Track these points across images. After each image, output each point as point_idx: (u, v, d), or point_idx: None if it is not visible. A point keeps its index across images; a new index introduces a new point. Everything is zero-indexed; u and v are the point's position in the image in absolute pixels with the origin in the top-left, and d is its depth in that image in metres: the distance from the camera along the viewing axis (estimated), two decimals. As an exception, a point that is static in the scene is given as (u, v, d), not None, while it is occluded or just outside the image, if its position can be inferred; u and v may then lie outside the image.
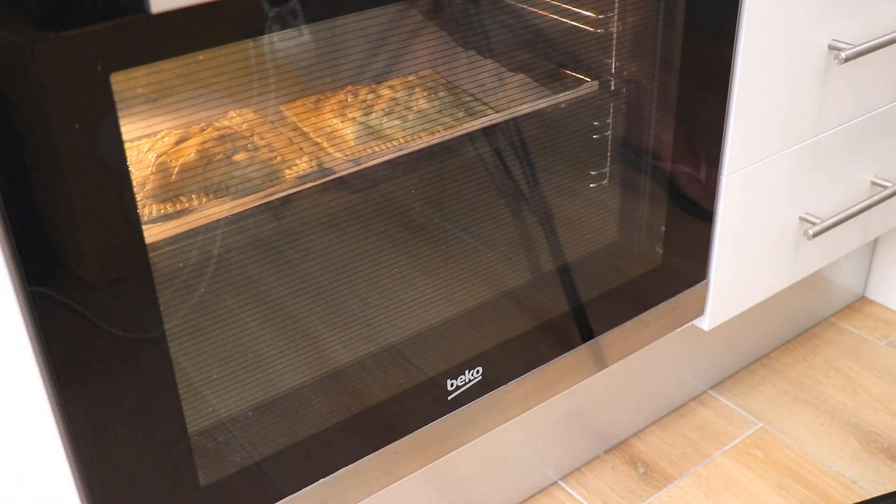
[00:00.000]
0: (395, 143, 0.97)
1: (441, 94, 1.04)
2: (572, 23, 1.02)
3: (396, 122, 1.00)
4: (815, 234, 1.14)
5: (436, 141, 0.92)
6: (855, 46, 1.04)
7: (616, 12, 0.98)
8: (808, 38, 1.03)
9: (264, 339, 0.94)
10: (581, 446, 1.23)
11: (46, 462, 0.72)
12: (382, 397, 0.92)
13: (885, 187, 1.21)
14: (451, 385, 0.96)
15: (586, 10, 1.00)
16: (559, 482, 1.22)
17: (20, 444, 0.70)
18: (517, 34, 1.14)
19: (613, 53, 1.01)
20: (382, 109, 1.00)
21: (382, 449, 0.92)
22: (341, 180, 0.90)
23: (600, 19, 0.99)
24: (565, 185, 1.14)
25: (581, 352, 1.05)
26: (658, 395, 1.30)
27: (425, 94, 1.03)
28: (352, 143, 0.94)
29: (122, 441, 0.76)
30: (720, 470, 1.23)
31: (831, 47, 1.05)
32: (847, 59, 1.03)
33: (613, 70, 1.02)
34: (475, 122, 0.95)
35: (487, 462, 1.13)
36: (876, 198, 1.19)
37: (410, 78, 1.07)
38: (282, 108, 0.95)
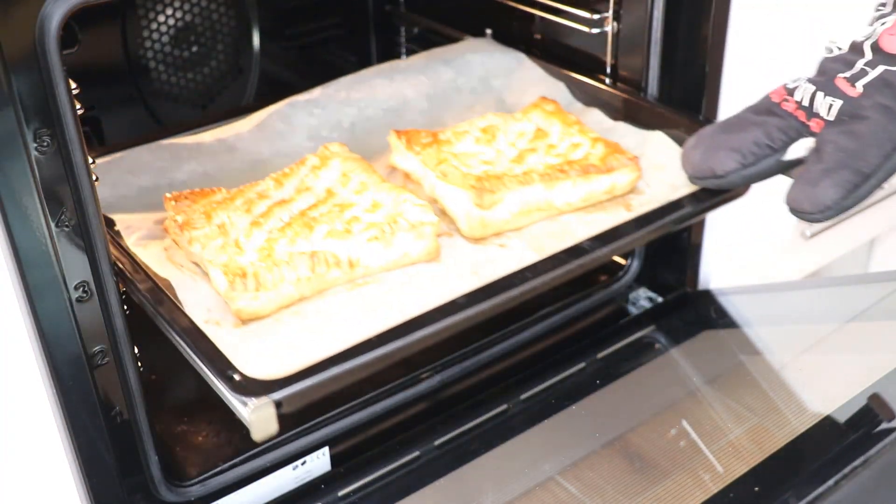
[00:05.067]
0: None
1: None
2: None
3: None
4: (813, 235, 1.15)
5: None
6: (852, 49, 1.04)
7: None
8: (803, 39, 1.02)
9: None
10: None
11: (46, 462, 0.73)
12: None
13: (881, 189, 1.21)
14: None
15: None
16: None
17: (20, 443, 0.71)
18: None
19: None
20: None
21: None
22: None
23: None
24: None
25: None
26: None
27: None
28: None
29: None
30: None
31: (828, 49, 1.04)
32: (844, 61, 1.03)
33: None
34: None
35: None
36: (873, 199, 1.19)
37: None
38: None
